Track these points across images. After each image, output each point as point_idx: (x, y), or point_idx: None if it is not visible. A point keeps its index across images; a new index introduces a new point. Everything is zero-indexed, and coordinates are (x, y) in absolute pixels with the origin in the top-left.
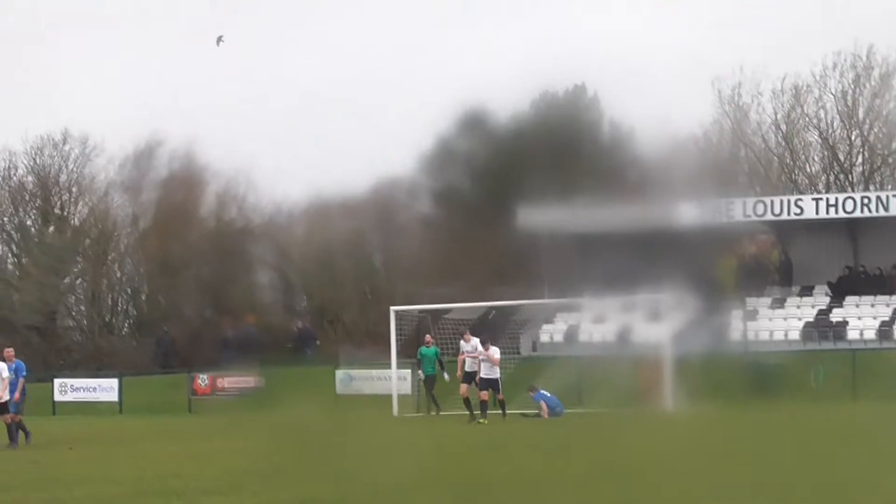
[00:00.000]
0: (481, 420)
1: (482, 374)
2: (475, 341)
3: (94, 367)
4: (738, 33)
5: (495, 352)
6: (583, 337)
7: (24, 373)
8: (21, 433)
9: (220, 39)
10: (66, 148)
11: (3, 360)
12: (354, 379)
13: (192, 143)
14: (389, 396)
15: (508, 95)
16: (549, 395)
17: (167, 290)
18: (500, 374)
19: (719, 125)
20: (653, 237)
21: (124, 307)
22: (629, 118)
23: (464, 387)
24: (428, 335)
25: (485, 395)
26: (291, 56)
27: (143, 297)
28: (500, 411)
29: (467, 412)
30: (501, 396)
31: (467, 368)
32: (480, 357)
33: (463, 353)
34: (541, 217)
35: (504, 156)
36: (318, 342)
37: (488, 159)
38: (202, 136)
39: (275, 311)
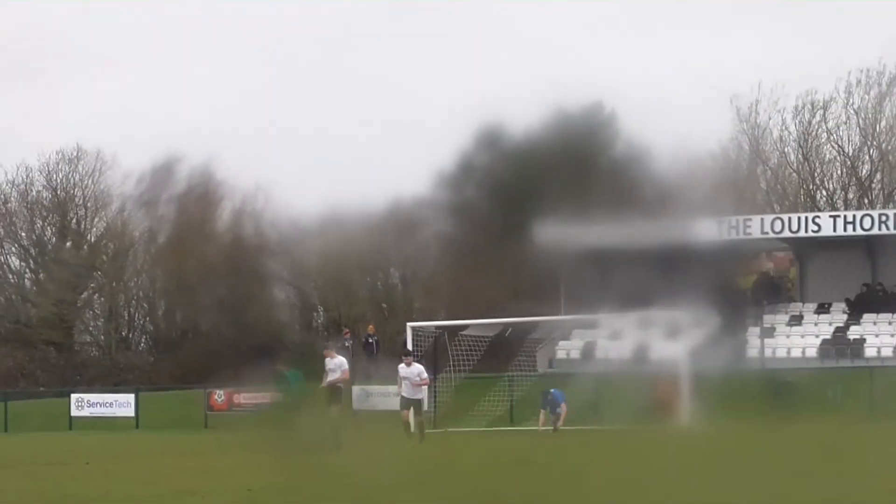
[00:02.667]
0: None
1: (405, 394)
2: (417, 367)
3: (111, 383)
4: (758, 51)
5: (421, 371)
6: (599, 354)
7: None
8: None
9: None
10: (81, 164)
11: None
12: (371, 395)
13: (210, 159)
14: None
15: (524, 111)
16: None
17: (184, 306)
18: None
19: (737, 142)
20: (670, 254)
21: (141, 322)
22: (646, 136)
23: (405, 413)
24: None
25: (406, 414)
26: (309, 73)
27: (160, 313)
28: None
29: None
30: (421, 418)
31: (405, 394)
32: (403, 375)
33: (401, 377)
34: (558, 233)
35: (520, 171)
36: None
37: (505, 175)
38: (220, 151)
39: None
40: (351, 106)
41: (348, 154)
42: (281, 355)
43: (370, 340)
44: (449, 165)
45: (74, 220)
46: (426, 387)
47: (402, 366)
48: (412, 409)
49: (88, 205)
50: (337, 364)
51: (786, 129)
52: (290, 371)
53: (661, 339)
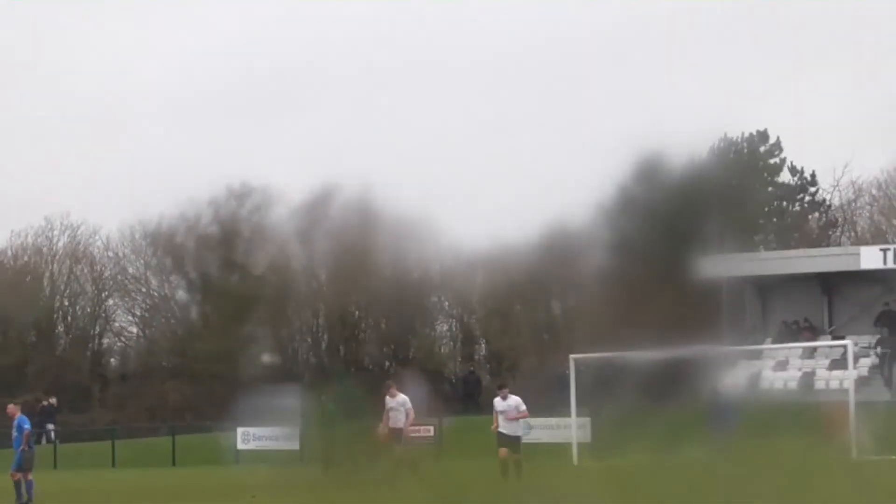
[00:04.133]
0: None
1: (503, 429)
2: (514, 399)
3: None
4: None
5: (519, 404)
6: (764, 384)
7: (26, 427)
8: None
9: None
10: (249, 199)
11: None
12: (533, 427)
13: (366, 191)
14: (569, 445)
15: (686, 141)
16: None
17: (347, 340)
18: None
19: None
20: (837, 280)
21: (304, 357)
22: (810, 162)
23: (502, 451)
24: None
25: (503, 452)
26: (471, 107)
27: (324, 347)
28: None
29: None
30: (519, 456)
31: (503, 429)
32: (499, 409)
33: (497, 411)
34: (721, 262)
35: (683, 202)
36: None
37: (666, 207)
38: (378, 181)
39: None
40: (511, 139)
41: (509, 186)
42: (322, 387)
43: None
44: (608, 198)
45: (240, 254)
46: (525, 420)
47: (497, 399)
48: (510, 446)
49: (254, 238)
50: (399, 402)
51: None
52: (331, 403)
53: (826, 369)
